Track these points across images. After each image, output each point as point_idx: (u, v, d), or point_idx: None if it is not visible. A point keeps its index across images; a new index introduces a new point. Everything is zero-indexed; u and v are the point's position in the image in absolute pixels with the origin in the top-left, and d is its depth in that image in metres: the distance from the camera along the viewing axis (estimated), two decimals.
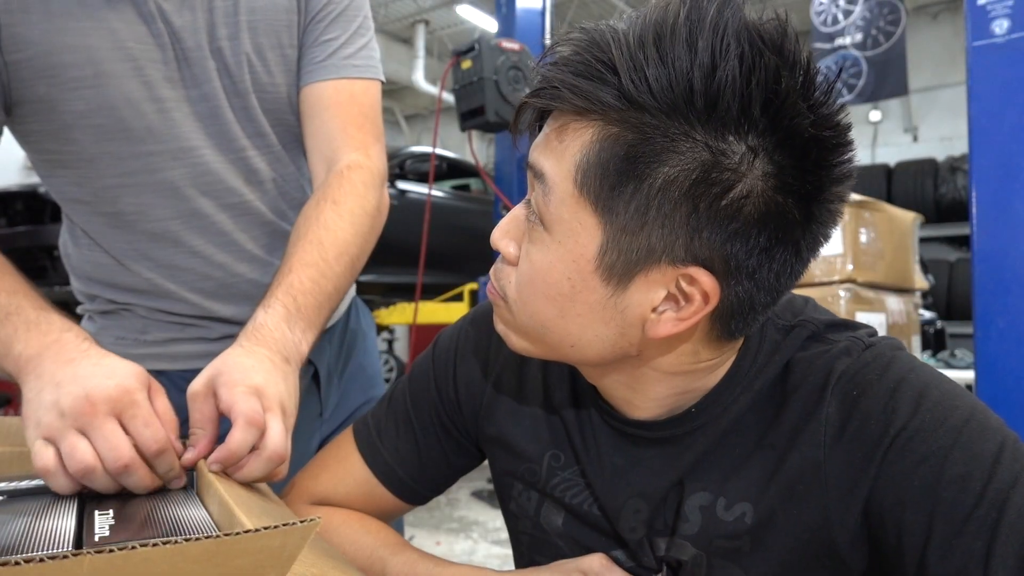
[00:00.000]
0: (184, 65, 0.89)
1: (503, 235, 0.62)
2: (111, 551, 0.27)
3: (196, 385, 0.68)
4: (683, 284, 0.55)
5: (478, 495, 4.33)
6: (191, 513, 0.56)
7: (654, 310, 0.56)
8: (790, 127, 0.50)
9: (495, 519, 3.88)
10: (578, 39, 0.53)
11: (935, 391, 0.56)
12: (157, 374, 0.92)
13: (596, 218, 0.54)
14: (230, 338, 0.88)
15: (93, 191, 0.92)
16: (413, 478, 0.80)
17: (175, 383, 0.94)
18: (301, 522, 0.34)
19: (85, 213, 0.94)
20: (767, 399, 0.62)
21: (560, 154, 0.55)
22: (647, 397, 0.64)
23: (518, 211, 0.61)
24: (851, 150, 0.53)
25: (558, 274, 0.57)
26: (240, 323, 0.89)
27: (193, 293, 0.95)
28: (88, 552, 0.27)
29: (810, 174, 0.51)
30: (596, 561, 0.67)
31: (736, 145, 0.50)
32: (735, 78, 0.48)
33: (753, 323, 0.58)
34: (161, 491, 0.62)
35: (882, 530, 0.55)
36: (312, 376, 1.04)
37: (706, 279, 0.53)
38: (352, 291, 1.14)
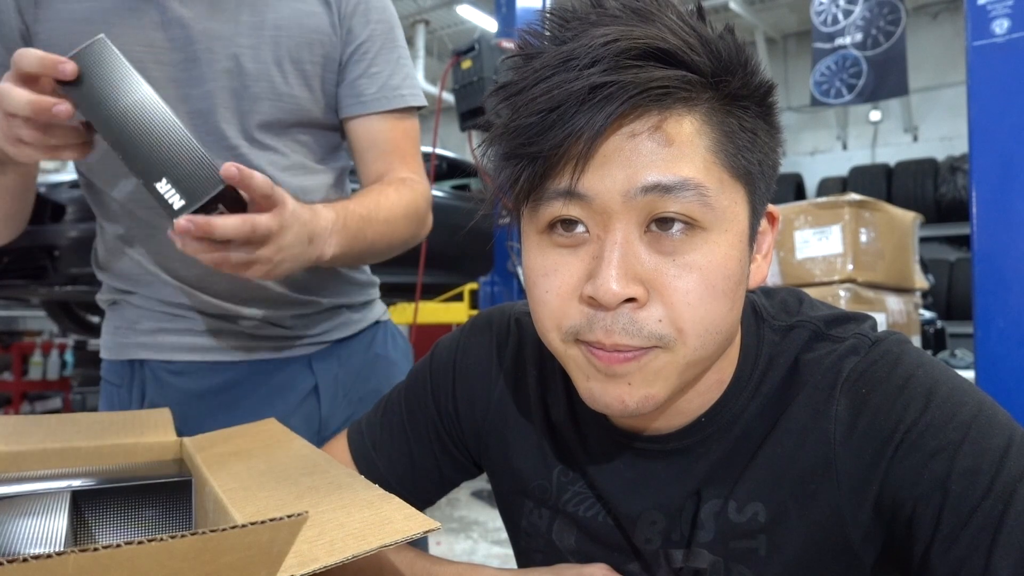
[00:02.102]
0: (192, 65, 0.92)
1: (627, 282, 0.52)
2: (96, 550, 0.27)
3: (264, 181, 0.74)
4: (764, 221, 0.59)
5: (478, 495, 4.32)
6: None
7: (752, 260, 0.58)
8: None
9: (495, 519, 3.88)
10: (603, 47, 0.50)
11: (944, 387, 0.56)
12: (140, 364, 0.99)
13: (742, 189, 0.55)
14: (218, 330, 0.97)
15: (102, 180, 0.97)
16: (407, 489, 0.79)
17: (155, 373, 1.00)
18: (289, 517, 0.34)
19: (98, 202, 1.01)
20: (774, 400, 0.62)
21: (679, 154, 0.51)
22: (694, 394, 0.62)
23: (629, 249, 0.52)
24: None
25: (734, 262, 0.54)
26: (225, 317, 0.96)
27: (176, 280, 0.99)
28: (73, 551, 0.26)
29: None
30: (599, 570, 0.66)
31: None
32: (718, 34, 0.54)
33: None
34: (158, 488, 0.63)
35: (893, 524, 0.56)
36: (313, 389, 1.05)
37: (771, 206, 0.58)
38: (385, 315, 1.18)
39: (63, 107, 0.69)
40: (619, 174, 0.51)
